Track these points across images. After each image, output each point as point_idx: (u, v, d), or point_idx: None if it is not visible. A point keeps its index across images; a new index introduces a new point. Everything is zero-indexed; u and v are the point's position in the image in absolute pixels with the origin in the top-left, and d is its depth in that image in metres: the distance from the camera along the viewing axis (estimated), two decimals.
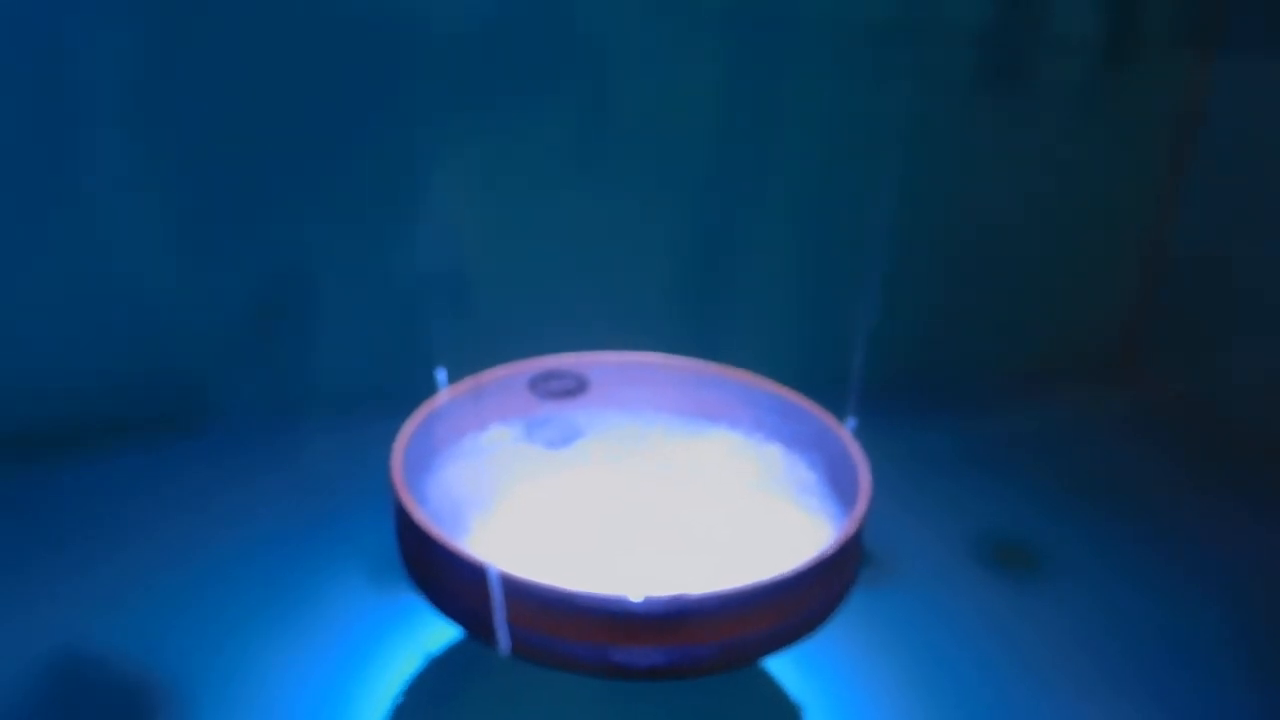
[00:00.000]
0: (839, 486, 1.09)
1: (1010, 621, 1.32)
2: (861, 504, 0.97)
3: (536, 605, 0.88)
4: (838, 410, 1.09)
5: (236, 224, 1.65)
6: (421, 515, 0.95)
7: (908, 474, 1.62)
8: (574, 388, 1.26)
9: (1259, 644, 1.28)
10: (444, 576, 0.95)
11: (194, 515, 1.49)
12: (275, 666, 1.22)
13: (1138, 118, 1.81)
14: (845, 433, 1.09)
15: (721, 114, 1.69)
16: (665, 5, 1.61)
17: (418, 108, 1.61)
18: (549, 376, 1.25)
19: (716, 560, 1.07)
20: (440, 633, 1.23)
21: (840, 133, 1.71)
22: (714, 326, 1.84)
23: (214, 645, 1.25)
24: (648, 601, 0.85)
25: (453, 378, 1.19)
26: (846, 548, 0.94)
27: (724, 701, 1.14)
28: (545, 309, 1.75)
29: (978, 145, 1.77)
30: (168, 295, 1.67)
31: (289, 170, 1.62)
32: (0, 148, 1.51)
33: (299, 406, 1.77)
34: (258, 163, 1.61)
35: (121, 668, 1.22)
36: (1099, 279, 1.93)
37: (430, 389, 1.16)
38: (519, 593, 0.88)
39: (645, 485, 1.20)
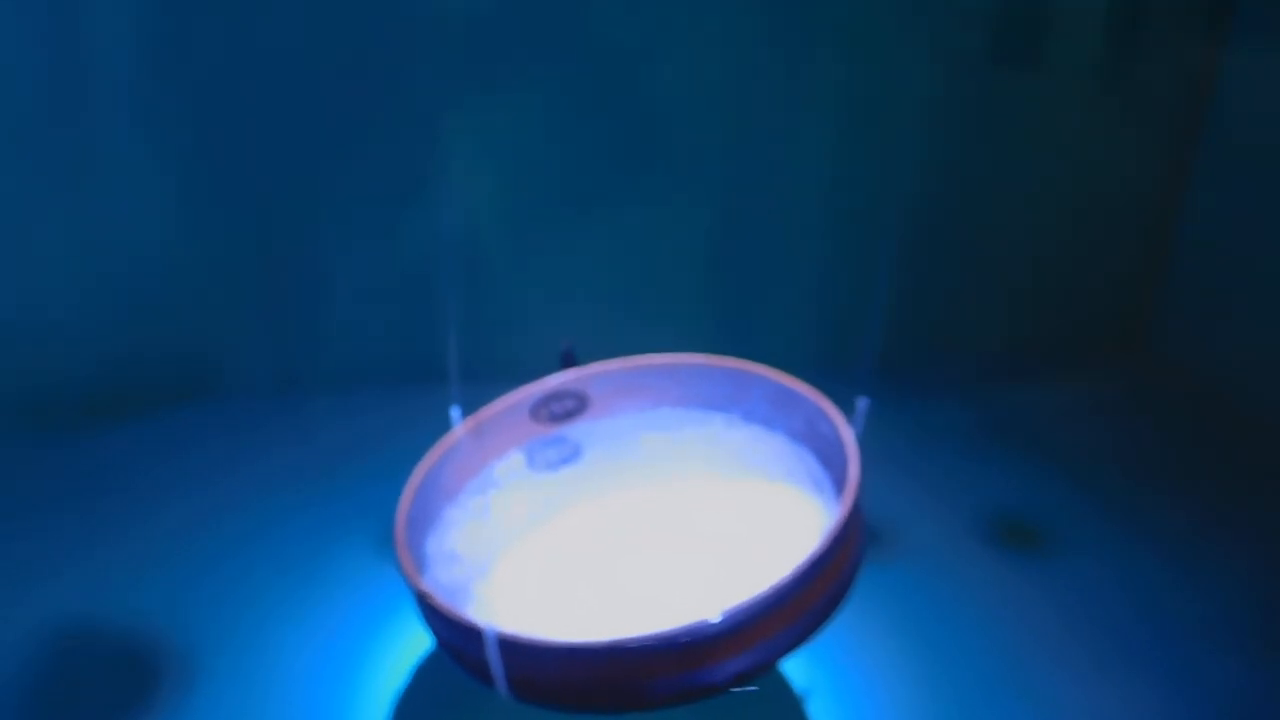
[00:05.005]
0: (835, 473, 1.08)
1: (1022, 597, 1.32)
2: (848, 499, 0.95)
3: (536, 657, 0.88)
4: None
5: (248, 201, 1.67)
6: (420, 581, 0.95)
7: (921, 449, 1.64)
8: (575, 408, 1.25)
9: (1271, 619, 1.28)
10: (447, 636, 0.96)
11: (205, 486, 1.51)
12: (287, 636, 1.23)
13: (1149, 99, 1.83)
14: (840, 419, 1.07)
15: (736, 99, 1.71)
16: None
17: (432, 89, 1.62)
18: (549, 400, 1.24)
19: (722, 565, 1.07)
20: None
21: (856, 115, 1.74)
22: (732, 310, 1.86)
23: (228, 615, 1.26)
24: (647, 640, 0.84)
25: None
26: (834, 548, 0.91)
27: None
28: (556, 291, 1.78)
29: (991, 128, 1.79)
30: (179, 272, 1.70)
31: (300, 149, 1.65)
32: (14, 134, 1.54)
33: (308, 380, 1.80)
34: (269, 140, 1.63)
35: (136, 635, 1.22)
36: (1111, 258, 1.95)
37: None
38: (515, 648, 0.88)
39: (649, 495, 1.20)
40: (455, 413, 1.14)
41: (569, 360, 1.27)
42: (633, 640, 0.83)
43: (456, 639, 0.92)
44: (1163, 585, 1.35)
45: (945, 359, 1.92)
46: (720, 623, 0.84)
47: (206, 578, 1.33)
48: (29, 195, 1.58)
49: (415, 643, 1.21)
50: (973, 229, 1.86)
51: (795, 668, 1.19)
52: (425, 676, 1.17)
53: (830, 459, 1.10)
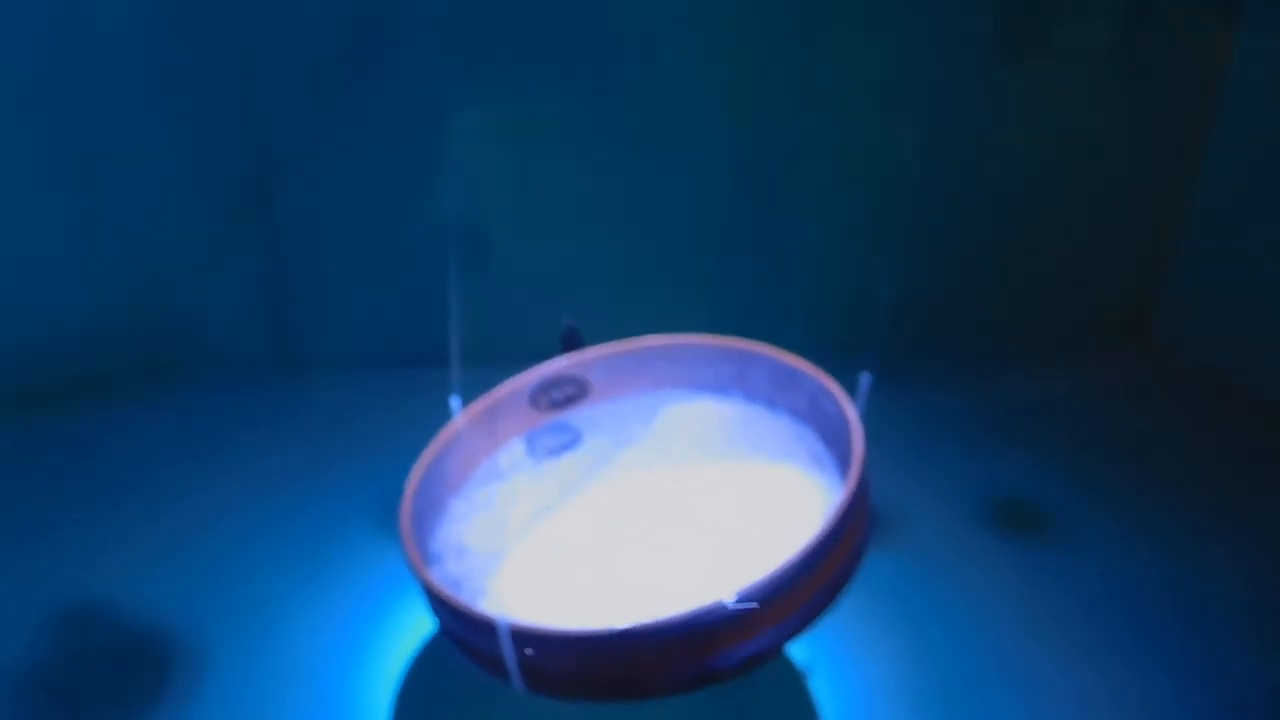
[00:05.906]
0: (838, 451, 1.08)
1: (1019, 586, 1.31)
2: (852, 480, 0.94)
3: (551, 648, 0.87)
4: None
5: (251, 182, 1.67)
6: (429, 575, 0.95)
7: (921, 439, 1.64)
8: (575, 394, 1.25)
9: (1269, 611, 1.28)
10: (457, 629, 0.96)
11: (205, 486, 1.52)
12: (294, 628, 1.24)
13: (1158, 88, 1.81)
14: (844, 396, 1.07)
15: (744, 84, 1.70)
16: None
17: (437, 70, 1.62)
18: (549, 386, 1.24)
19: (727, 547, 1.06)
20: None
21: (860, 103, 1.73)
22: (732, 298, 1.85)
23: (235, 609, 1.26)
24: (656, 625, 0.83)
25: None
26: (844, 524, 0.90)
27: None
28: (559, 274, 1.77)
29: (998, 114, 1.78)
30: (179, 255, 1.70)
31: (302, 132, 1.64)
32: (12, 112, 1.53)
33: (308, 362, 1.81)
34: (270, 121, 1.63)
35: (142, 631, 1.23)
36: (1117, 248, 1.94)
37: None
38: (529, 640, 0.87)
39: (652, 479, 1.19)
40: (455, 402, 1.13)
41: (572, 337, 1.26)
42: (648, 625, 0.83)
43: (468, 633, 0.92)
44: (1161, 577, 1.35)
45: (947, 348, 1.91)
46: (735, 604, 0.83)
47: (211, 573, 1.33)
48: (24, 176, 1.58)
49: (422, 632, 1.22)
50: (977, 217, 1.85)
51: (794, 650, 1.19)
52: (431, 666, 1.17)
53: (833, 437, 1.09)
